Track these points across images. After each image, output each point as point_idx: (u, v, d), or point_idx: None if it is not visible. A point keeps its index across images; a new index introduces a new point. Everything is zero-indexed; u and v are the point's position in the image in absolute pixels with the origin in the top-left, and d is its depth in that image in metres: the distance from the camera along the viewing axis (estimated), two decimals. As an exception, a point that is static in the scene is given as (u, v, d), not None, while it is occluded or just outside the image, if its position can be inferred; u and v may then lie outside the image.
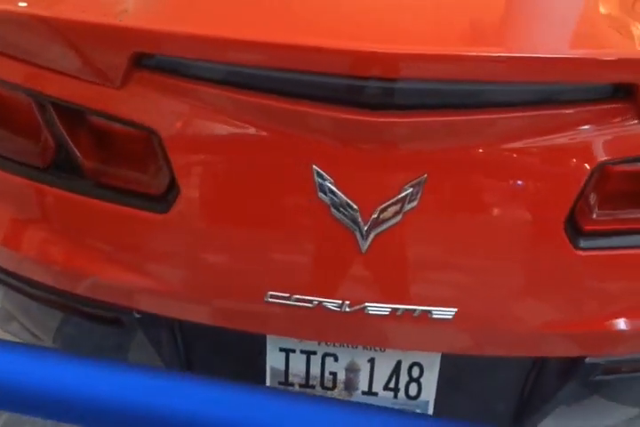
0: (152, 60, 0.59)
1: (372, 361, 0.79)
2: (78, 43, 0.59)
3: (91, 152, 0.67)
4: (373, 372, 0.80)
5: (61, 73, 0.63)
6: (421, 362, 0.77)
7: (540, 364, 0.72)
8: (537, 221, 0.60)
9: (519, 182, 0.60)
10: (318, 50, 0.54)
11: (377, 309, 0.66)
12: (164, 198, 0.66)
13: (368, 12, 0.61)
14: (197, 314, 0.73)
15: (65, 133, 0.66)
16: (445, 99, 0.57)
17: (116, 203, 0.68)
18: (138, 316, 0.75)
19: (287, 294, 0.66)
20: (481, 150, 0.58)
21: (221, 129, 0.61)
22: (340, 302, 0.66)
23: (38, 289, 0.76)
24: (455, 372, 0.79)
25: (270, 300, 0.67)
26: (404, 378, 0.79)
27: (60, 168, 0.69)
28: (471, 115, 0.56)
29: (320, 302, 0.66)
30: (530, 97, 0.57)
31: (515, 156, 0.59)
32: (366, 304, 0.66)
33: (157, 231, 0.68)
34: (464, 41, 0.59)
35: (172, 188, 0.64)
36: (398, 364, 0.78)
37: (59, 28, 0.59)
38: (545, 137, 0.58)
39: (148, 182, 0.67)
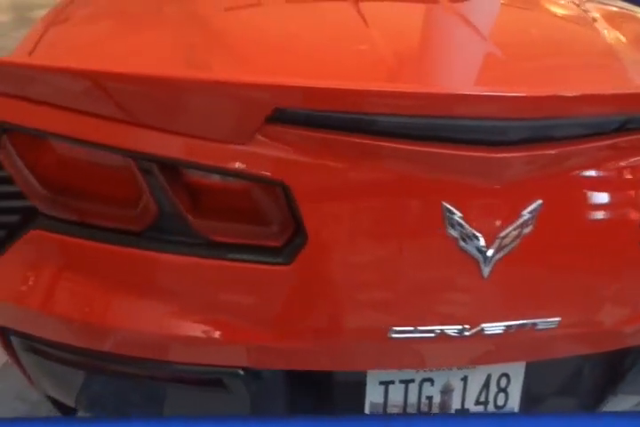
0: (286, 114, 0.60)
1: (464, 379, 0.83)
2: (210, 103, 0.58)
3: (200, 210, 0.65)
4: (466, 389, 0.84)
5: (177, 133, 0.60)
6: (508, 372, 0.83)
7: (620, 357, 0.82)
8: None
9: (622, 201, 0.69)
10: (449, 97, 0.59)
11: (492, 328, 0.71)
12: (285, 249, 0.65)
13: (481, 61, 0.67)
14: (315, 362, 0.73)
15: (172, 194, 0.63)
16: (556, 132, 0.64)
17: (227, 259, 0.66)
18: (242, 373, 0.73)
19: (411, 327, 0.69)
20: (587, 174, 0.66)
21: (352, 175, 0.63)
22: (461, 327, 0.70)
23: (137, 364, 0.71)
24: (537, 377, 0.86)
25: (394, 335, 0.69)
26: (492, 390, 0.84)
27: (161, 230, 0.66)
28: (579, 144, 0.64)
29: (442, 330, 0.69)
30: (629, 125, 0.66)
31: (618, 176, 0.68)
32: (483, 326, 0.70)
33: (279, 282, 0.66)
34: (570, 82, 0.68)
35: (296, 237, 0.64)
36: (488, 377, 0.83)
37: (187, 89, 0.58)
38: None
39: (267, 234, 0.66)
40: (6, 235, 0.71)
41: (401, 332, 0.69)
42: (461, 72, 0.66)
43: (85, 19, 1.00)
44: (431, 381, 0.83)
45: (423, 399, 0.84)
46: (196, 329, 0.69)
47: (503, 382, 0.84)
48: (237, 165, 0.61)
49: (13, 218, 0.71)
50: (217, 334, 0.69)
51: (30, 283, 0.72)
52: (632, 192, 0.69)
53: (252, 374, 0.73)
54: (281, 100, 0.57)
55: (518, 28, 0.97)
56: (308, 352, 0.72)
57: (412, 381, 0.82)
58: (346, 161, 0.62)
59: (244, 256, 0.66)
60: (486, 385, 0.84)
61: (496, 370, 0.83)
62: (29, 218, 0.69)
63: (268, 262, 0.65)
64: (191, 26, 0.86)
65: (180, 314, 0.69)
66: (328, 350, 0.72)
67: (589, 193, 0.68)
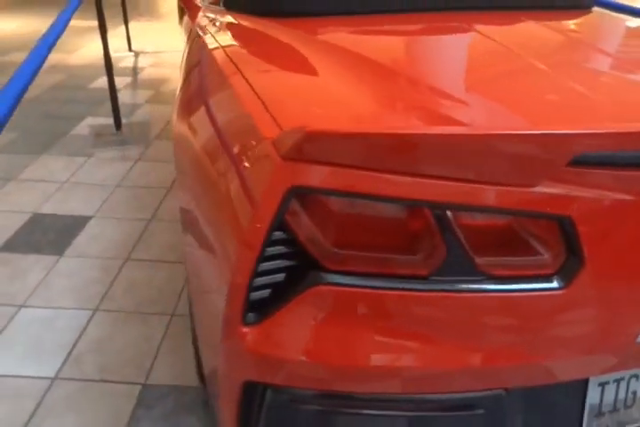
0: (583, 158, 0.66)
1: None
2: (512, 152, 0.63)
3: (482, 249, 0.71)
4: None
5: (471, 181, 0.66)
6: None
7: None
8: None
9: None
10: None
11: None
12: (559, 275, 0.72)
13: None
14: (569, 372, 0.79)
15: (461, 237, 0.69)
16: None
17: (506, 291, 0.72)
18: (504, 393, 0.79)
19: None
20: None
21: (632, 205, 0.71)
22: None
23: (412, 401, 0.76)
24: None
25: (640, 339, 0.77)
26: None
27: (448, 272, 0.71)
28: None
29: None
30: None
31: None
32: None
33: (553, 306, 0.72)
34: None
35: (571, 263, 0.72)
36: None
37: (491, 142, 0.62)
38: None
39: (541, 263, 0.72)
40: (282, 293, 0.73)
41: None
42: None
43: (288, 73, 0.99)
44: (636, 376, 0.90)
45: (629, 395, 0.91)
46: (479, 357, 0.74)
47: None
48: (525, 204, 0.67)
49: (289, 276, 0.73)
50: (495, 358, 0.74)
51: (320, 337, 0.73)
52: None
53: (513, 394, 0.79)
54: (583, 146, 0.63)
55: None
56: (569, 364, 0.79)
57: (623, 379, 0.89)
58: (627, 193, 0.70)
59: (521, 286, 0.72)
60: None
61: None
62: (309, 275, 0.71)
63: (543, 289, 0.71)
64: (396, 78, 0.93)
65: (464, 346, 0.73)
66: (588, 359, 0.79)
67: None
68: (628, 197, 0.69)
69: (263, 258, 0.71)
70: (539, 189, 0.66)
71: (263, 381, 0.77)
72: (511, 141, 0.61)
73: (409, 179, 0.65)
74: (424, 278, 0.70)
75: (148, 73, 4.26)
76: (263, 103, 0.84)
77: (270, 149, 0.72)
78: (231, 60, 1.09)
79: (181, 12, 3.56)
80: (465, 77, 0.94)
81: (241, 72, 1.01)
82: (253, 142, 0.78)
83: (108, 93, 3.73)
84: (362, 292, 0.70)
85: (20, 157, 2.81)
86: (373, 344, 0.73)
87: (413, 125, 0.71)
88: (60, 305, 1.77)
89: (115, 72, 4.20)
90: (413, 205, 0.67)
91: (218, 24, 1.49)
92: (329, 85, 0.91)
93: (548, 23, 1.34)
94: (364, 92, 0.87)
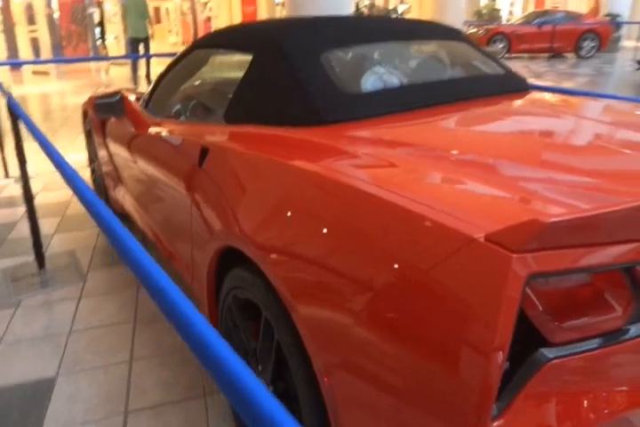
0: None
1: None
2: None
3: None
4: None
5: None
6: None
7: None
8: None
9: None
10: None
11: None
12: None
13: None
14: None
15: None
16: None
17: None
18: None
19: None
20: None
21: None
22: None
23: None
24: None
25: None
26: None
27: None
28: None
29: None
30: None
31: None
32: None
33: None
34: None
35: None
36: None
37: None
38: None
39: None
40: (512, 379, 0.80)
41: None
42: None
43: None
44: None
45: None
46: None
47: None
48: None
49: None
50: None
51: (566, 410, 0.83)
52: None
53: None
54: None
55: None
56: None
57: None
58: None
59: None
60: None
61: None
62: (537, 353, 0.80)
63: None
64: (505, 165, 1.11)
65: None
66: None
67: None
68: None
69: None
70: None
71: None
72: None
73: (628, 245, 0.80)
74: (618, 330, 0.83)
75: (42, 198, 3.93)
76: (431, 210, 0.90)
77: (488, 247, 0.79)
78: (343, 176, 1.12)
79: (89, 134, 3.41)
80: (566, 154, 1.17)
81: (378, 186, 1.04)
82: (449, 247, 0.84)
83: (4, 230, 3.35)
84: (589, 355, 0.82)
85: None
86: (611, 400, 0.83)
87: (618, 201, 0.80)
88: None
89: None
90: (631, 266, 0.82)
91: (238, 139, 1.51)
92: (459, 183, 1.03)
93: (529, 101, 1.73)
94: (501, 182, 1.02)
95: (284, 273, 1.11)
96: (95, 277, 2.72)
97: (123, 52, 13.87)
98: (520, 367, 0.80)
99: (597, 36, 13.20)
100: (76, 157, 4.79)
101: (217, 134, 1.63)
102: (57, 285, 2.64)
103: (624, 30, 15.92)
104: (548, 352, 0.81)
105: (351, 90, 1.57)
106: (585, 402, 0.83)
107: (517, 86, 1.90)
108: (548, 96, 1.86)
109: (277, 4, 16.39)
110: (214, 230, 1.42)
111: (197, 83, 2.40)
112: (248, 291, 1.29)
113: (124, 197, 2.79)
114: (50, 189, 4.13)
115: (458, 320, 0.80)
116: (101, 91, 3.14)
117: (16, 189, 4.14)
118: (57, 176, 4.41)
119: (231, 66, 2.19)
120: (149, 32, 9.11)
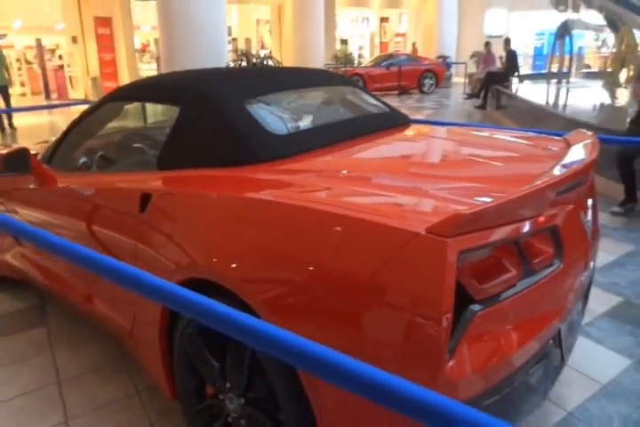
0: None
1: None
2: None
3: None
4: None
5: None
6: None
7: None
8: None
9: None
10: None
11: None
12: None
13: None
14: None
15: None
16: None
17: None
18: None
19: None
20: None
21: None
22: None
23: None
24: None
25: None
26: None
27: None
28: None
29: None
30: None
31: None
32: None
33: None
34: None
35: None
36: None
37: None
38: None
39: None
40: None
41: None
42: None
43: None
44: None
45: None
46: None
47: None
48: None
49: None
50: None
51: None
52: None
53: None
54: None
55: None
56: None
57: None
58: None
59: None
60: None
61: None
62: (466, 309, 1.17)
63: None
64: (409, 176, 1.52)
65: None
66: None
67: None
68: None
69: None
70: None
71: None
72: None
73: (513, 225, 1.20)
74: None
75: None
76: (375, 216, 1.19)
77: (429, 237, 1.08)
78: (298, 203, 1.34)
79: None
80: (446, 167, 1.63)
81: (323, 203, 1.31)
82: (400, 241, 1.12)
83: None
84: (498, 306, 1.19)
85: None
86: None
87: (500, 196, 1.19)
88: None
89: None
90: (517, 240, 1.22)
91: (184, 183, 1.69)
92: (375, 194, 1.35)
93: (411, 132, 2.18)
94: (409, 191, 1.36)
95: (256, 292, 1.28)
96: (-2, 346, 2.52)
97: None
98: (458, 321, 1.11)
99: (435, 75, 15.12)
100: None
101: (154, 181, 1.74)
102: None
103: (453, 69, 18.35)
104: (474, 307, 1.15)
105: (276, 132, 1.80)
106: (505, 338, 1.20)
107: (402, 121, 2.31)
108: (424, 127, 2.29)
109: (137, 51, 16.30)
110: (171, 267, 1.52)
111: (115, 134, 2.45)
112: None
113: (21, 258, 2.66)
114: None
115: (414, 294, 1.09)
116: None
117: None
118: None
119: (150, 117, 2.31)
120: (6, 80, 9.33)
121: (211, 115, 1.75)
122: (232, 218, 1.44)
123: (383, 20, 25.28)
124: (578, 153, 1.63)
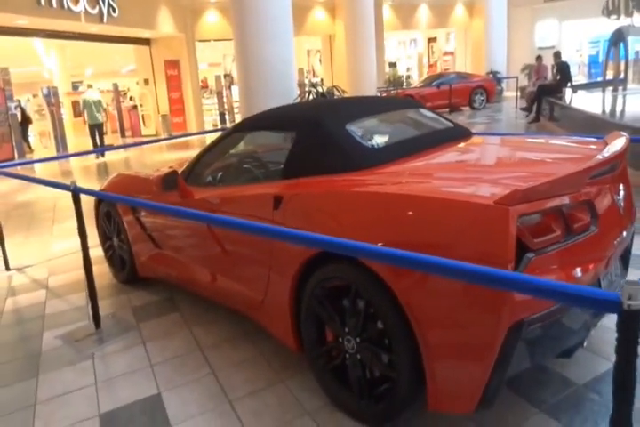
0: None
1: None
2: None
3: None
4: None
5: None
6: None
7: None
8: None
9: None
10: None
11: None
12: None
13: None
14: None
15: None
16: None
17: None
18: None
19: None
20: None
21: None
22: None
23: None
24: None
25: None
26: None
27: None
28: None
29: None
30: None
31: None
32: None
33: None
34: None
35: None
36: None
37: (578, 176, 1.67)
38: None
39: None
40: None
41: None
42: None
43: None
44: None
45: None
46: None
47: None
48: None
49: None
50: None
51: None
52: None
53: None
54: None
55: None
56: None
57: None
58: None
59: None
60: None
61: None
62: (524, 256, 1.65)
63: None
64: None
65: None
66: None
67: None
68: None
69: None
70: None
71: None
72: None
73: (558, 198, 1.63)
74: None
75: (55, 281, 4.27)
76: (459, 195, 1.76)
77: (497, 207, 1.61)
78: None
79: (107, 218, 3.89)
80: (503, 165, 2.26)
81: (420, 193, 1.91)
82: (468, 216, 1.67)
83: (39, 308, 3.69)
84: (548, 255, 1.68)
85: (13, 390, 2.69)
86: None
87: (550, 175, 1.60)
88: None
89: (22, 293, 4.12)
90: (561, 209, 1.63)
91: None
92: (454, 185, 1.91)
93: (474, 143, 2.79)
94: (479, 180, 1.88)
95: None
96: (147, 327, 3.20)
97: (51, 149, 14.16)
98: (518, 266, 1.62)
99: (485, 91, 15.45)
100: (68, 243, 5.13)
101: (282, 187, 2.39)
102: (117, 338, 3.09)
103: (504, 84, 18.56)
104: (529, 255, 1.65)
105: (371, 146, 2.47)
106: (553, 278, 1.68)
107: (466, 133, 2.92)
108: (483, 138, 2.84)
109: (202, 88, 17.73)
110: (301, 247, 2.10)
111: (234, 156, 3.17)
112: (341, 278, 2.00)
113: (162, 260, 3.38)
114: (55, 274, 4.46)
115: (488, 247, 1.64)
116: (133, 173, 3.93)
117: (21, 279, 4.43)
118: (55, 262, 4.76)
119: (267, 143, 3.05)
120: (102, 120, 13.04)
121: (320, 136, 2.40)
122: (353, 206, 2.03)
123: (431, 40, 25.91)
124: (610, 148, 2.08)
